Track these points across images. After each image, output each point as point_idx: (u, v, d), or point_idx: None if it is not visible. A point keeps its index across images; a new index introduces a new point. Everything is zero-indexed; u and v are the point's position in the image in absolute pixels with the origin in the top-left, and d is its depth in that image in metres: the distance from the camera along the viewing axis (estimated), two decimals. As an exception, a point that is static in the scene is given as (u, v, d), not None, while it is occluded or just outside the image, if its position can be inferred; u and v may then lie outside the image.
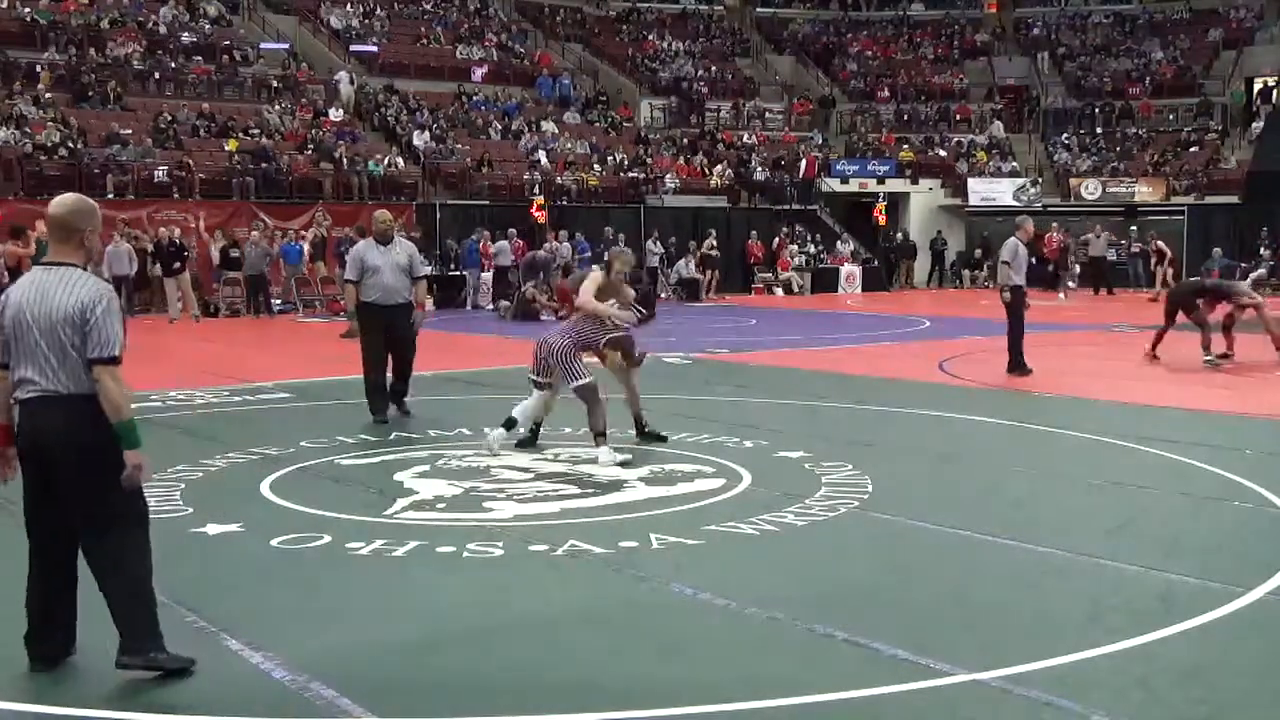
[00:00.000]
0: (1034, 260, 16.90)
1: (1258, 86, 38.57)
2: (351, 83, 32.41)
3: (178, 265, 22.55)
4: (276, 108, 30.24)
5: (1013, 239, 14.04)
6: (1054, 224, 32.16)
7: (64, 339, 4.36)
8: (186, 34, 31.80)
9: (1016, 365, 13.71)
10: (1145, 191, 35.89)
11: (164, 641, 4.55)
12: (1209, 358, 14.73)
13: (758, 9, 45.60)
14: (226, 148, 27.47)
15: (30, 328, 4.40)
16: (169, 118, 27.76)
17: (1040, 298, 28.96)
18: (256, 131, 28.37)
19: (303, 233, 25.32)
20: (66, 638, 4.70)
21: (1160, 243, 30.62)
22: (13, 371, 4.48)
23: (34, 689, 4.48)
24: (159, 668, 4.52)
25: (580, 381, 8.97)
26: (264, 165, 27.03)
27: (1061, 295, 29.37)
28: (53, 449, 4.41)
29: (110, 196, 24.53)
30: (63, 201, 4.58)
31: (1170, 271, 29.13)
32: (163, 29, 31.55)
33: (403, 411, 10.94)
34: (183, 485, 7.92)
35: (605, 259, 9.79)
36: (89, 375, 4.36)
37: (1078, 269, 32.70)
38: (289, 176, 27.30)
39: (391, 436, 9.72)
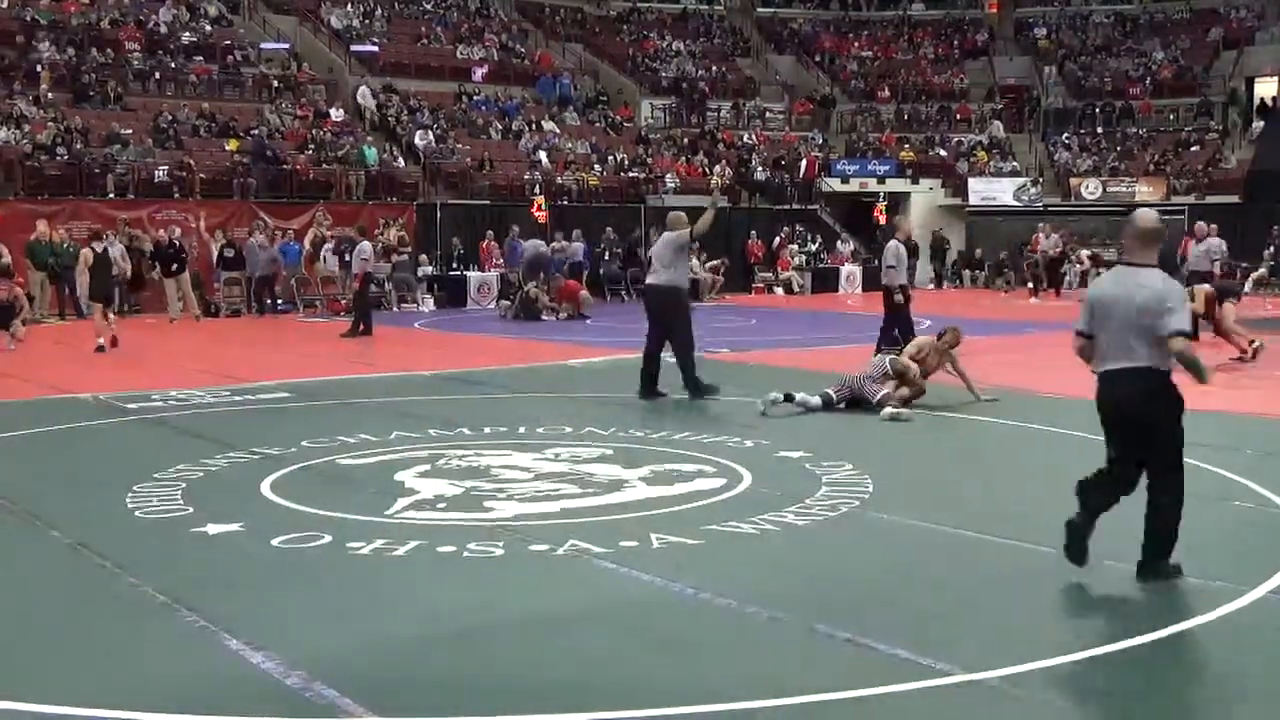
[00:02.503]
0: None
1: (1259, 89, 38.52)
2: (374, 96, 32.37)
3: (176, 266, 22.51)
4: (277, 108, 30.23)
5: (893, 242, 14.59)
6: (1040, 224, 31.98)
7: (1143, 324, 5.54)
8: (187, 34, 31.77)
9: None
10: (1146, 191, 35.84)
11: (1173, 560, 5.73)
12: None
13: (758, 9, 45.60)
14: (227, 148, 27.47)
15: (1110, 314, 5.67)
16: (169, 118, 27.74)
17: (1018, 296, 29.05)
18: (258, 132, 28.35)
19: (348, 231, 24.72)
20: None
21: (1084, 251, 30.77)
22: (1099, 346, 5.77)
23: (33, 689, 4.48)
24: (1167, 577, 5.71)
25: (882, 392, 10.89)
26: (267, 150, 27.03)
27: (1004, 294, 29.35)
28: (1129, 411, 5.68)
29: (111, 196, 24.56)
30: (1150, 216, 5.92)
31: (1098, 273, 29.03)
32: (163, 29, 31.54)
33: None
34: (183, 485, 7.92)
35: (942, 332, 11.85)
36: (1157, 351, 5.54)
37: (1077, 269, 32.66)
38: (291, 175, 27.29)
39: (392, 436, 9.73)
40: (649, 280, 12.30)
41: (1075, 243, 31.91)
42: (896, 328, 14.33)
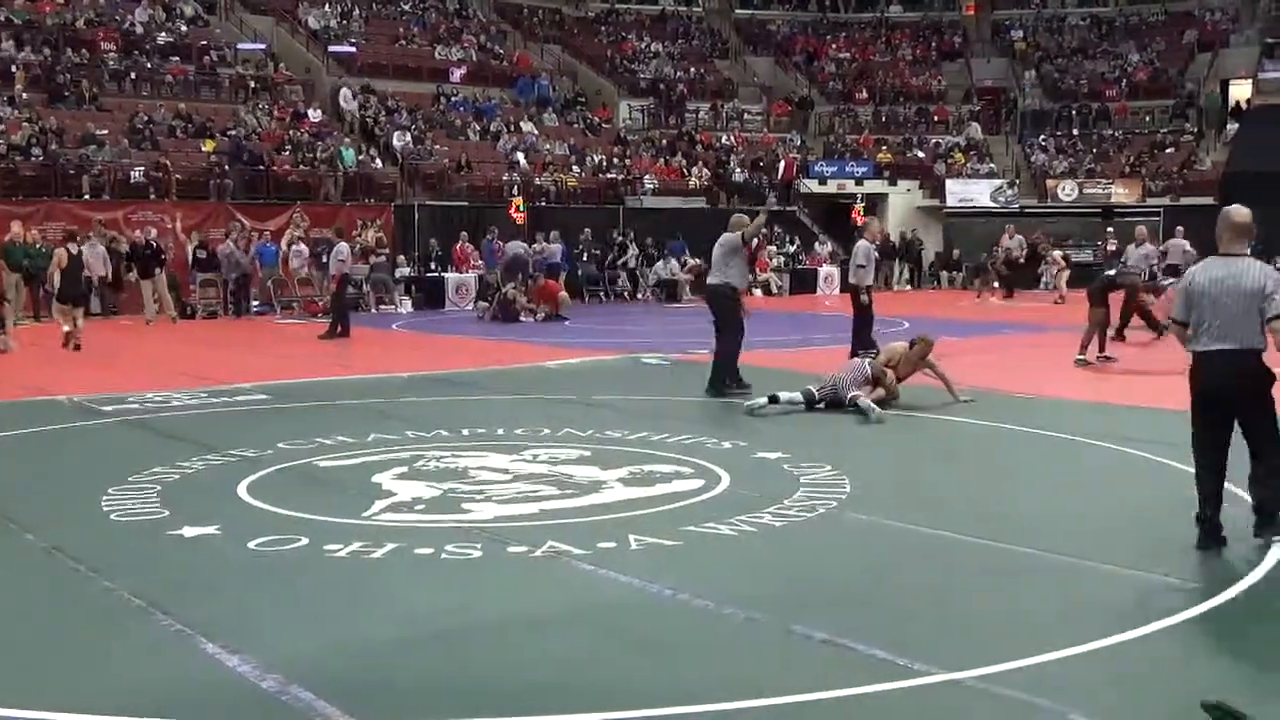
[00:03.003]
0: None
1: (1233, 91, 38.77)
2: (354, 98, 32.24)
3: (153, 267, 22.35)
4: (254, 109, 30.09)
5: (862, 242, 14.90)
6: (1007, 225, 32.00)
7: (1254, 307, 5.99)
8: (163, 34, 31.61)
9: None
10: (1121, 193, 36.06)
11: None
12: (1080, 357, 14.91)
13: (736, 10, 45.67)
14: (203, 148, 27.34)
15: (1216, 300, 6.07)
16: (145, 118, 27.59)
17: (994, 297, 29.20)
18: (234, 132, 28.23)
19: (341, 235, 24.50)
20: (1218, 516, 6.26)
21: (1057, 252, 30.85)
22: (1199, 328, 6.16)
23: (6, 693, 4.45)
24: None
25: (855, 393, 10.95)
26: (246, 153, 26.93)
27: (978, 297, 29.42)
28: (1229, 389, 6.10)
29: (86, 197, 24.41)
30: (1243, 211, 6.27)
31: (1067, 274, 29.17)
32: (139, 29, 31.37)
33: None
34: (159, 487, 7.87)
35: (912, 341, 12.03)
36: (1259, 334, 6.02)
37: (1053, 270, 32.77)
38: (268, 176, 27.17)
39: (370, 438, 9.69)
40: (708, 281, 12.95)
41: (1049, 244, 32.03)
42: (867, 328, 14.46)
